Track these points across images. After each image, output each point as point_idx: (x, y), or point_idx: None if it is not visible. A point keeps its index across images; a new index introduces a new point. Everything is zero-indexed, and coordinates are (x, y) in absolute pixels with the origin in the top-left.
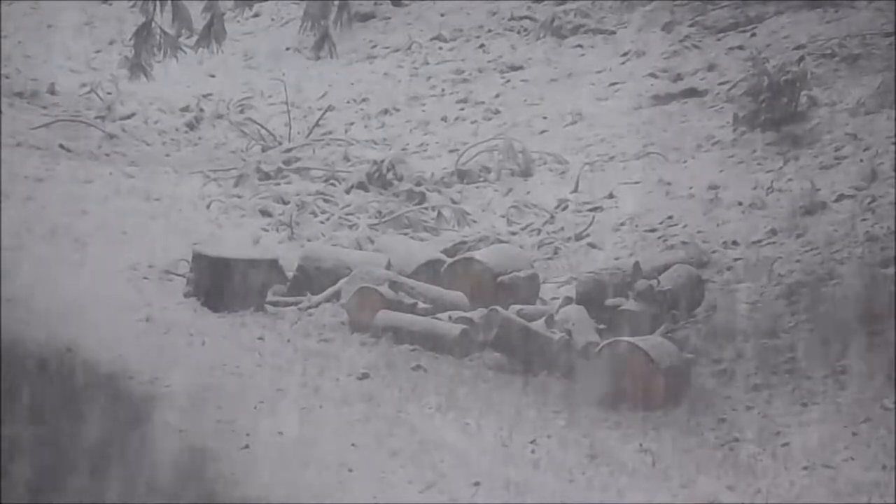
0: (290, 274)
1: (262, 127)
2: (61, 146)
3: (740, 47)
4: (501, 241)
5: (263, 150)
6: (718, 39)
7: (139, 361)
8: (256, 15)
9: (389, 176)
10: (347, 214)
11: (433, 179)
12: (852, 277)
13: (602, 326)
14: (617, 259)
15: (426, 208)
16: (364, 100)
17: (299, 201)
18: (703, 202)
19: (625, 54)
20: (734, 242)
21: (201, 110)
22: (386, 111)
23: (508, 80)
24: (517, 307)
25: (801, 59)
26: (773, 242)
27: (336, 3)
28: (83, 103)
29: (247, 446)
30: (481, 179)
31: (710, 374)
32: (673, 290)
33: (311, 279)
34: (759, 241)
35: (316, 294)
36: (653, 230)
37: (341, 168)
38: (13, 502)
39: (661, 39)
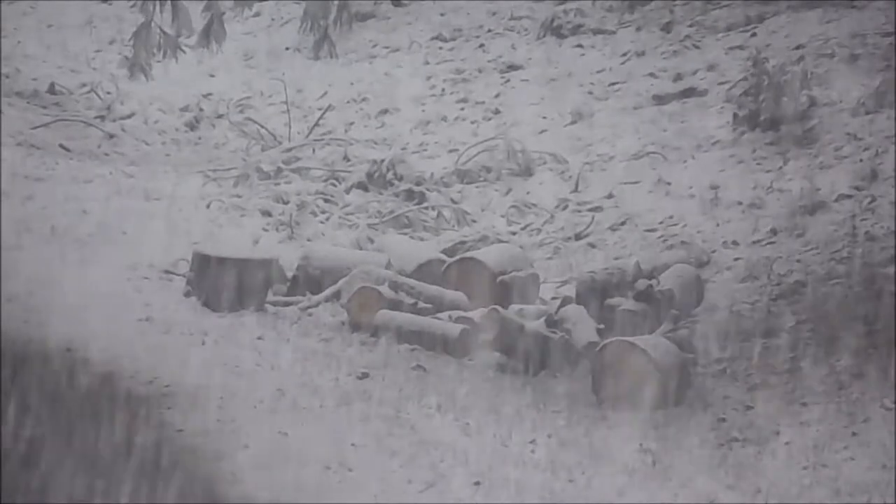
0: (289, 273)
1: (262, 127)
2: (61, 146)
3: (740, 47)
4: (501, 241)
5: (263, 150)
6: (718, 39)
7: (139, 361)
8: (256, 15)
9: (389, 176)
10: (347, 214)
11: (433, 179)
12: (852, 277)
13: (602, 326)
14: (617, 259)
15: (426, 208)
16: (364, 99)
17: (299, 201)
18: (703, 202)
19: (625, 54)
20: (734, 242)
21: (201, 110)
22: (386, 111)
23: (508, 80)
24: (517, 307)
25: (801, 58)
26: (773, 242)
27: (336, 2)
28: (83, 103)
29: (247, 446)
30: (481, 179)
31: (710, 373)
32: (673, 290)
33: (311, 279)
34: (759, 241)
35: (316, 294)
36: (653, 230)
37: (341, 168)
38: (13, 502)
39: (660, 39)
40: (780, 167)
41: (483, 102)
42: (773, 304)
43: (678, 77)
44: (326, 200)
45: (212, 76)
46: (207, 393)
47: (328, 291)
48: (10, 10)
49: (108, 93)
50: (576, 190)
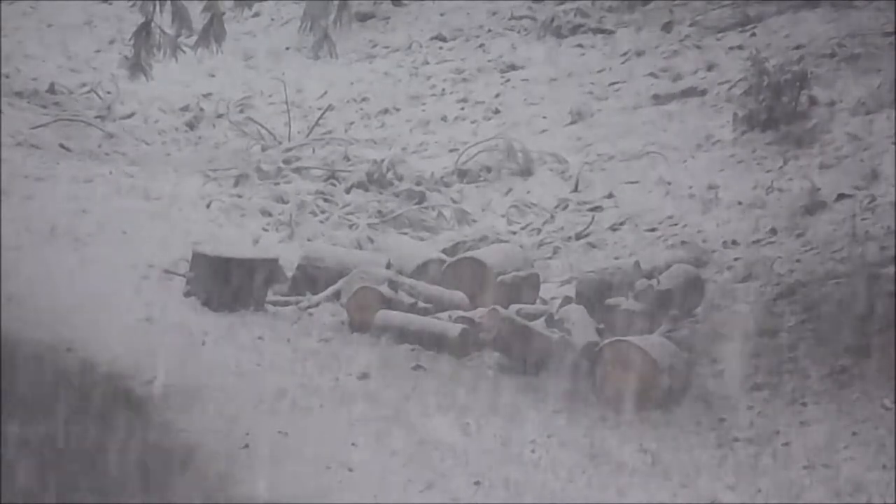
0: (289, 273)
1: (262, 126)
2: (61, 146)
3: (740, 47)
4: (501, 241)
5: (263, 150)
6: (718, 39)
7: (139, 361)
8: (256, 14)
9: (389, 175)
10: (347, 214)
11: (433, 179)
12: (852, 277)
13: (602, 326)
14: (617, 258)
15: (426, 208)
16: (364, 99)
17: (299, 201)
18: (703, 201)
19: (624, 54)
20: (734, 242)
21: (201, 110)
22: (386, 111)
23: (508, 80)
24: (517, 306)
25: (801, 58)
26: (773, 242)
27: (336, 2)
28: (83, 103)
29: (247, 446)
30: (481, 179)
31: (710, 373)
32: (673, 290)
33: (311, 279)
34: (759, 241)
35: (316, 293)
36: (653, 230)
37: (341, 167)
38: (13, 502)
39: (660, 39)
40: (780, 167)
41: (483, 102)
42: (773, 304)
43: (678, 77)
44: (326, 200)
45: (212, 76)
46: (207, 393)
47: (328, 291)
48: (10, 10)
49: (108, 92)
50: (576, 190)
